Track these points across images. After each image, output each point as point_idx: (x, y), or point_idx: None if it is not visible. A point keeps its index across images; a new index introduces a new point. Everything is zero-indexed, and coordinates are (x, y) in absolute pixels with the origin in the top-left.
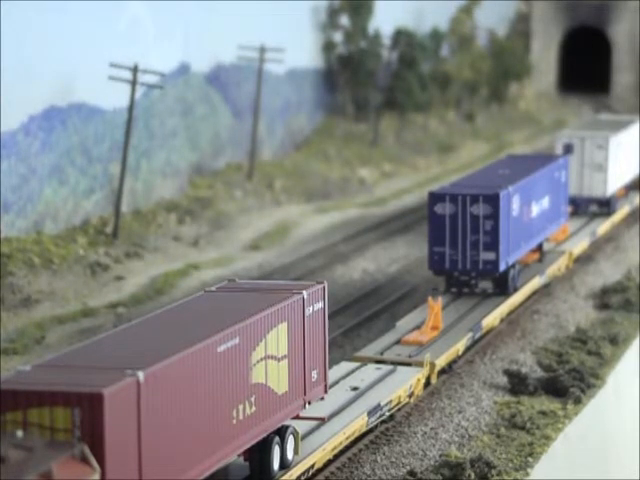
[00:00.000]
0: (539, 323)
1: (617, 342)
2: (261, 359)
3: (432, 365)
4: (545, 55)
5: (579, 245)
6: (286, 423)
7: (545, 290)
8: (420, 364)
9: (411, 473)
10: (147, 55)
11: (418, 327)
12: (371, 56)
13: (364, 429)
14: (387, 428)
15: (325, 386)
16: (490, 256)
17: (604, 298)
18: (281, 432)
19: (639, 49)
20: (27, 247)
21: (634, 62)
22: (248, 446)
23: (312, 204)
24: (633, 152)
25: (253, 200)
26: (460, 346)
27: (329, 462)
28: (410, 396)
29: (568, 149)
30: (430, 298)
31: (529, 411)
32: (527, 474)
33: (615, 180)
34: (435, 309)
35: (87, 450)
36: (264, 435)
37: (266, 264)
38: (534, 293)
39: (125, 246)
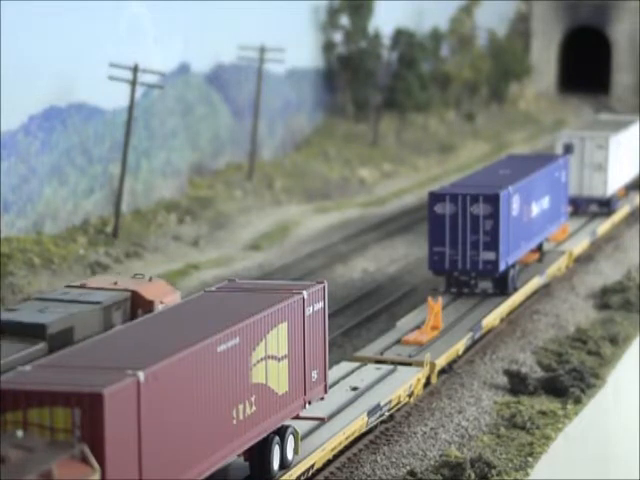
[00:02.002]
0: (539, 323)
1: (617, 342)
2: (261, 359)
3: (432, 365)
4: (545, 55)
5: (579, 245)
6: (286, 423)
7: (545, 290)
8: (420, 364)
9: (411, 473)
10: (147, 55)
11: (418, 327)
12: (371, 56)
13: (364, 429)
14: (387, 428)
15: (325, 386)
16: (490, 256)
17: (604, 298)
18: (281, 432)
19: (639, 49)
20: (27, 247)
21: (634, 62)
22: (248, 446)
23: (312, 204)
24: (633, 152)
25: (253, 200)
26: (460, 346)
27: (329, 462)
28: (410, 396)
29: (568, 149)
30: (430, 298)
31: (529, 411)
32: (527, 474)
33: (615, 180)
34: (435, 309)
35: (87, 450)
36: (264, 435)
37: (266, 264)
38: (534, 293)
39: (125, 246)
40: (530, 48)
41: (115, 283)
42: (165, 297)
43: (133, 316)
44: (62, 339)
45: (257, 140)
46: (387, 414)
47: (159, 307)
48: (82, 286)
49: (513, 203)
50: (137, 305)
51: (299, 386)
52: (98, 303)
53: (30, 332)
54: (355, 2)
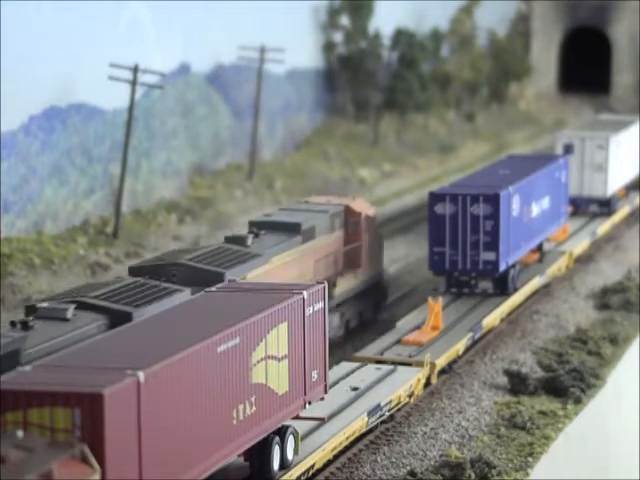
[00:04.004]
0: (539, 323)
1: (617, 342)
2: (261, 359)
3: (432, 365)
4: (545, 55)
5: (579, 245)
6: (286, 423)
7: (545, 290)
8: (420, 364)
9: (411, 473)
10: (147, 55)
11: (418, 327)
12: (371, 56)
13: (364, 429)
14: (387, 428)
15: (325, 386)
16: (490, 256)
17: (604, 298)
18: (281, 432)
19: (639, 49)
20: (27, 247)
21: (634, 62)
22: (248, 446)
23: None
24: (633, 152)
25: (253, 200)
26: (460, 346)
27: (329, 462)
28: (410, 396)
29: (568, 149)
30: (430, 298)
31: (529, 411)
32: (527, 474)
33: (615, 180)
34: (435, 309)
35: (87, 450)
36: (264, 435)
37: None
38: (534, 293)
39: (125, 246)
40: (530, 48)
41: (329, 200)
42: (366, 210)
43: (346, 223)
44: (309, 235)
45: (257, 140)
46: (387, 414)
47: (363, 217)
48: (306, 202)
49: (513, 203)
50: (349, 215)
51: (299, 386)
52: (326, 212)
53: (288, 229)
54: (355, 2)
